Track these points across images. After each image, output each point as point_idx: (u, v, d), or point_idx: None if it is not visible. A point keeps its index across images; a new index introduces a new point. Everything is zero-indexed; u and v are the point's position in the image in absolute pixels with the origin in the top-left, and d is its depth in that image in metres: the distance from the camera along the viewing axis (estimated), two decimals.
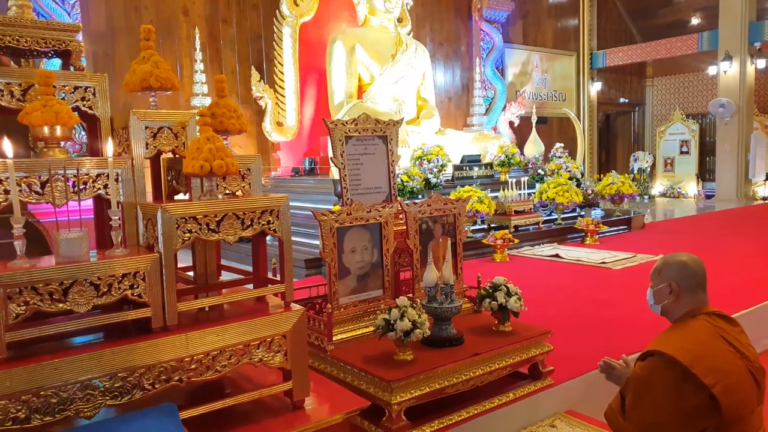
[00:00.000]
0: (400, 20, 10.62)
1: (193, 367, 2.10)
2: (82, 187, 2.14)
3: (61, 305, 1.88)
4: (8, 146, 1.90)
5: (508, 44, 13.90)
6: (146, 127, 2.30)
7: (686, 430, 1.96)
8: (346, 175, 3.28)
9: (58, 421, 1.86)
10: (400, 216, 3.38)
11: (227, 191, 2.49)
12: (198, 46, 8.88)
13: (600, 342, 3.80)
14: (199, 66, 8.78)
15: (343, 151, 3.28)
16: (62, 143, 2.18)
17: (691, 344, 2.01)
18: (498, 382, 3.00)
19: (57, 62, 5.92)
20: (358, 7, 10.20)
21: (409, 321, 2.66)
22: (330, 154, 3.38)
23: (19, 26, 2.33)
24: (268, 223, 2.28)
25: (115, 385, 1.95)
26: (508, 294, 3.12)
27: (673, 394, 1.96)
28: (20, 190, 2.01)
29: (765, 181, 14.66)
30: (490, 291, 3.16)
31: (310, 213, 6.16)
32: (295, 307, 2.38)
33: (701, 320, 2.13)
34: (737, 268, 5.93)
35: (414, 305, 2.75)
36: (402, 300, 2.75)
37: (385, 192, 3.45)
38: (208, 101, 8.45)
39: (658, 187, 16.65)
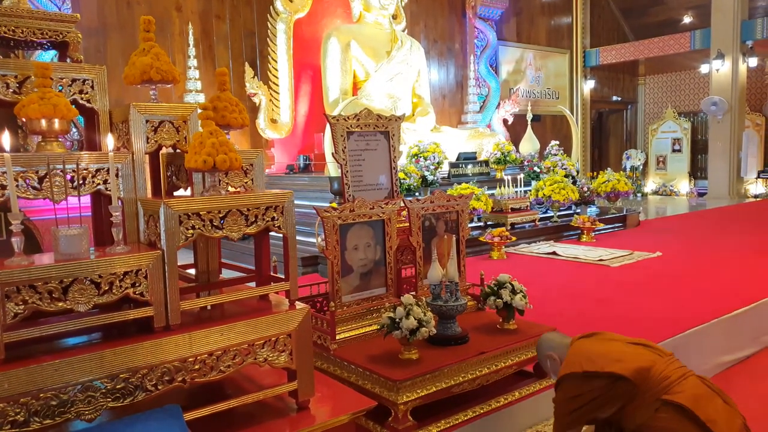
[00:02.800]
0: (394, 17, 10.57)
1: (196, 367, 2.05)
2: (81, 182, 2.07)
3: (60, 304, 1.82)
4: (6, 139, 1.83)
5: (502, 42, 13.88)
6: (147, 121, 2.23)
7: (601, 402, 2.10)
8: (347, 171, 3.22)
9: (58, 424, 1.80)
10: (403, 213, 3.33)
11: (229, 187, 2.43)
12: (191, 42, 8.78)
13: None
14: (193, 62, 8.68)
15: (345, 147, 3.22)
16: (60, 137, 2.11)
17: (572, 358, 2.24)
18: (503, 381, 2.96)
19: (50, 55, 5.83)
20: (353, 3, 10.14)
21: (415, 319, 2.62)
22: (331, 150, 3.32)
23: (15, 16, 2.26)
24: (273, 219, 2.23)
25: (117, 387, 1.89)
26: (513, 292, 3.08)
27: (583, 395, 2.13)
28: (17, 186, 1.94)
29: (756, 179, 14.73)
30: (495, 289, 3.11)
31: (306, 211, 6.13)
32: (300, 305, 2.33)
33: (573, 345, 2.35)
34: (732, 265, 5.93)
35: (419, 303, 2.70)
36: (407, 298, 2.71)
37: (386, 188, 3.40)
38: (201, 97, 8.39)
39: (650, 185, 16.69)
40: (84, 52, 2.64)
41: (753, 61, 13.86)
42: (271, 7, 9.53)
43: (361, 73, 9.89)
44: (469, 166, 8.86)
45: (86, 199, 2.24)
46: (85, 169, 2.09)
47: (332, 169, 7.32)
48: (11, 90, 2.15)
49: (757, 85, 15.66)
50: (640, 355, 2.16)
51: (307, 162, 9.15)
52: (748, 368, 4.06)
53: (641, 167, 16.45)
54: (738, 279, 5.30)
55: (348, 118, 3.25)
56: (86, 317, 1.88)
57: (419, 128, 9.82)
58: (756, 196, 14.30)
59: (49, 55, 5.89)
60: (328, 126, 3.38)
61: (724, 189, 13.87)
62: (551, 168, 9.12)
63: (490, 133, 11.04)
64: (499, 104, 12.95)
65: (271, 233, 2.35)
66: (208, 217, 2.07)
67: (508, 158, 9.14)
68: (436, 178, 7.91)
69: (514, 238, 6.94)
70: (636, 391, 2.06)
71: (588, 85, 16.15)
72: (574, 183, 8.89)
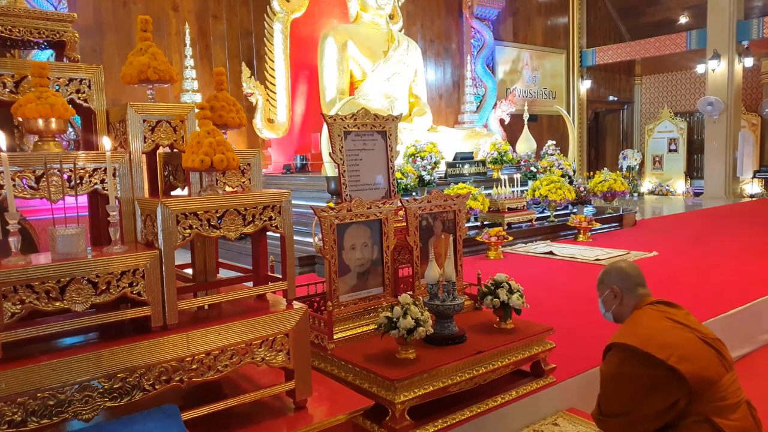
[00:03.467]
0: (391, 17, 10.57)
1: (194, 367, 2.04)
2: (78, 182, 2.07)
3: (58, 304, 1.81)
4: (2, 139, 1.82)
5: (498, 42, 13.89)
6: (144, 121, 2.23)
7: (658, 408, 2.00)
8: (345, 171, 3.23)
9: (55, 423, 1.80)
10: (400, 213, 3.33)
11: (227, 186, 2.43)
12: (188, 41, 8.77)
13: (599, 339, 3.76)
14: (189, 62, 8.68)
15: (342, 147, 3.22)
16: (57, 137, 2.11)
17: (639, 329, 2.14)
18: (500, 380, 2.96)
19: (46, 55, 5.81)
20: (350, 3, 10.14)
21: (412, 319, 2.62)
22: (328, 149, 3.33)
23: (12, 15, 2.25)
24: (270, 219, 2.23)
25: (115, 386, 1.89)
26: (510, 291, 3.09)
27: (636, 377, 2.05)
28: (14, 185, 1.94)
29: (752, 178, 14.78)
30: (492, 288, 3.12)
31: (303, 210, 6.12)
32: (298, 305, 2.33)
33: (645, 309, 2.26)
34: (728, 265, 5.95)
35: (416, 303, 2.71)
36: (404, 297, 2.71)
37: (384, 188, 3.40)
38: (198, 97, 8.38)
39: (646, 184, 16.72)
40: (80, 52, 2.64)
41: (749, 61, 13.91)
42: (267, 6, 9.53)
43: (357, 73, 9.90)
44: (466, 166, 8.87)
45: (83, 199, 2.24)
46: (82, 169, 2.09)
47: (329, 169, 7.32)
48: (8, 89, 2.15)
49: (752, 85, 15.70)
50: (712, 362, 2.04)
51: (304, 162, 9.15)
52: (745, 367, 4.07)
53: (637, 167, 16.49)
54: (734, 278, 5.32)
55: (345, 117, 3.25)
56: (83, 317, 1.88)
57: (416, 128, 9.83)
58: (752, 196, 14.34)
59: (45, 55, 5.87)
60: (325, 126, 3.38)
61: (720, 189, 13.91)
62: (548, 168, 9.13)
63: (487, 132, 11.05)
64: (495, 104, 12.96)
65: (269, 233, 2.35)
66: (206, 217, 2.07)
67: (504, 158, 9.15)
68: (433, 177, 7.92)
69: (510, 238, 6.94)
70: (691, 397, 1.97)
71: (584, 85, 16.18)
72: (571, 183, 8.91)
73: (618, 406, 2.10)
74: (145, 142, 2.24)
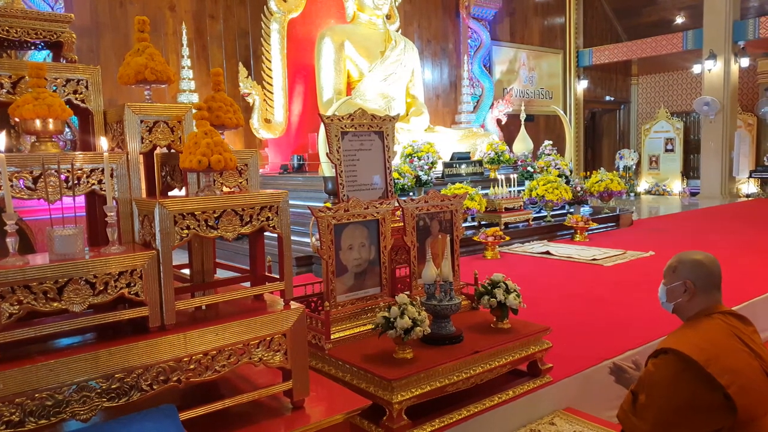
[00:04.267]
0: (388, 17, 10.57)
1: (191, 367, 2.05)
2: (75, 182, 2.07)
3: (56, 304, 1.81)
4: (1, 139, 1.82)
5: (495, 42, 13.90)
6: (141, 121, 2.23)
7: (700, 430, 1.93)
8: (342, 171, 3.23)
9: (53, 424, 1.80)
10: (397, 213, 3.34)
11: (224, 187, 2.44)
12: (185, 42, 8.77)
13: (596, 339, 3.79)
14: (186, 62, 8.67)
15: (339, 147, 3.23)
16: (54, 137, 2.11)
17: (706, 343, 1.98)
18: (497, 380, 2.97)
19: (42, 55, 5.80)
20: (347, 3, 10.15)
21: (409, 319, 2.62)
22: (326, 149, 3.33)
23: (9, 16, 2.25)
24: (268, 219, 2.23)
25: (112, 387, 1.89)
26: (507, 291, 3.09)
27: (688, 393, 1.93)
28: (11, 186, 1.94)
29: (748, 178, 14.81)
30: (489, 288, 3.13)
31: (300, 211, 6.13)
32: (295, 305, 2.33)
33: (716, 319, 2.09)
34: (724, 264, 5.91)
35: (413, 303, 2.71)
36: (401, 297, 2.72)
37: (381, 188, 3.40)
38: (195, 97, 8.37)
39: (643, 184, 16.75)
40: (77, 52, 2.64)
41: (745, 62, 13.94)
42: (264, 6, 9.53)
43: (354, 73, 9.90)
44: (463, 166, 8.88)
45: (80, 200, 2.24)
46: (79, 170, 2.09)
47: (326, 169, 7.33)
48: (5, 90, 2.15)
49: (748, 85, 15.74)
50: (765, 397, 1.93)
51: (301, 162, 9.15)
52: None
53: (634, 167, 16.51)
54: (730, 278, 5.30)
55: (342, 118, 3.26)
56: (81, 317, 1.88)
57: (413, 128, 9.84)
58: (748, 196, 14.38)
59: (41, 55, 5.87)
60: (322, 126, 3.38)
61: (717, 188, 13.95)
62: (545, 168, 9.15)
63: (484, 133, 11.06)
64: (492, 104, 12.97)
65: (266, 233, 2.35)
66: (203, 217, 2.08)
67: (501, 158, 9.16)
68: (430, 178, 7.93)
69: (507, 238, 6.96)
70: (732, 427, 1.89)
71: (581, 85, 16.20)
72: (568, 183, 8.92)
73: (662, 414, 1.98)
74: (142, 143, 2.24)
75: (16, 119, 2.03)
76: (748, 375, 1.93)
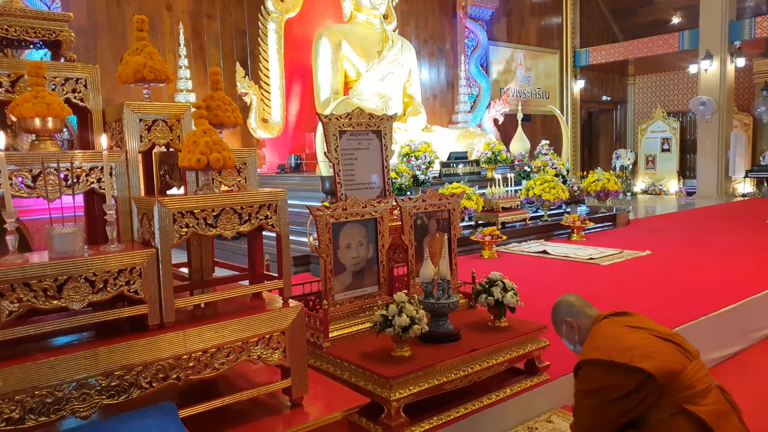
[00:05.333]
0: (385, 17, 10.58)
1: (191, 364, 2.06)
2: (75, 180, 2.08)
3: (55, 302, 1.82)
4: (1, 138, 1.83)
5: (492, 42, 13.92)
6: (140, 120, 2.24)
7: (628, 410, 2.05)
8: (340, 170, 3.24)
9: (53, 421, 1.81)
10: (395, 212, 3.35)
11: (223, 185, 2.44)
12: (182, 41, 8.76)
13: None
14: (183, 62, 8.66)
15: (337, 146, 3.24)
16: (53, 136, 2.12)
17: (599, 342, 2.19)
18: (495, 378, 2.98)
19: (40, 54, 5.81)
20: (344, 3, 10.15)
21: (407, 317, 2.63)
22: (323, 149, 3.34)
23: (8, 15, 2.26)
24: (266, 218, 2.24)
25: (112, 384, 1.90)
26: (504, 289, 3.11)
27: (606, 388, 2.09)
28: (11, 184, 1.94)
29: (744, 178, 14.86)
30: (486, 287, 3.14)
31: (298, 210, 6.13)
32: (294, 303, 2.34)
33: (601, 323, 2.33)
34: (720, 263, 5.99)
35: (411, 301, 2.72)
36: (399, 296, 2.73)
37: (379, 187, 3.41)
38: (192, 97, 8.36)
39: (639, 184, 16.80)
40: (74, 52, 2.64)
41: (741, 62, 13.97)
42: (261, 6, 9.52)
43: (352, 73, 9.91)
44: (460, 166, 8.89)
45: (79, 198, 2.25)
46: (79, 168, 2.09)
47: (324, 169, 7.33)
48: (4, 89, 2.15)
49: (744, 85, 15.79)
50: (672, 355, 2.10)
51: (299, 161, 9.15)
52: (737, 365, 4.10)
53: (631, 167, 16.56)
54: (726, 277, 5.36)
55: (340, 117, 3.27)
56: (81, 315, 1.89)
57: (410, 128, 9.84)
58: (744, 195, 14.43)
59: (39, 54, 5.86)
60: (320, 125, 3.39)
61: (713, 188, 13.98)
62: (541, 167, 9.17)
63: (481, 132, 11.08)
64: (489, 104, 13.00)
65: (264, 233, 2.36)
66: (202, 216, 2.08)
67: (498, 158, 9.17)
68: (427, 177, 7.93)
69: (504, 237, 6.97)
70: (661, 392, 2.02)
71: (578, 85, 16.22)
72: (565, 182, 8.94)
73: (593, 421, 2.14)
74: (141, 142, 2.25)
75: (14, 118, 2.04)
76: (643, 345, 2.11)
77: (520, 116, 10.31)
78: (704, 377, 2.09)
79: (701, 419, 1.97)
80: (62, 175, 2.05)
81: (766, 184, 14.70)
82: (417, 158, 7.91)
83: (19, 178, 1.98)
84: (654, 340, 2.15)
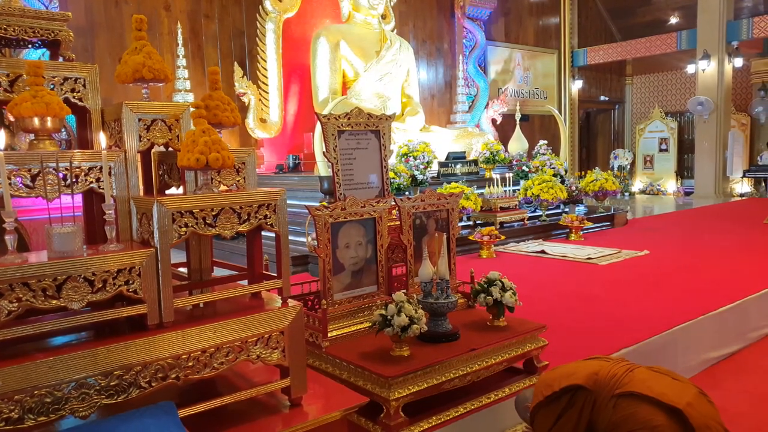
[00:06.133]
0: (383, 17, 10.59)
1: (190, 364, 2.05)
2: (74, 180, 2.08)
3: (54, 302, 1.82)
4: (1, 137, 1.83)
5: (490, 42, 13.94)
6: (139, 119, 2.24)
7: (578, 422, 2.13)
8: (338, 170, 3.24)
9: (52, 421, 1.80)
10: (394, 211, 3.35)
11: (222, 185, 2.44)
12: (180, 41, 8.76)
13: (591, 337, 3.82)
14: (182, 62, 8.66)
15: (336, 146, 3.24)
16: (52, 135, 2.11)
17: (536, 390, 2.30)
18: (494, 378, 2.98)
19: (38, 54, 5.80)
20: (342, 3, 10.15)
21: (406, 316, 2.63)
22: (322, 148, 3.34)
23: (7, 14, 2.25)
24: (265, 217, 2.24)
25: (111, 384, 1.89)
26: (503, 289, 3.11)
27: (559, 417, 2.17)
28: (10, 184, 1.94)
29: (742, 178, 14.89)
30: (485, 286, 3.14)
31: (296, 210, 6.13)
32: (293, 302, 2.34)
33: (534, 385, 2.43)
34: (718, 263, 6.01)
35: (410, 301, 2.72)
36: (398, 295, 2.72)
37: (377, 187, 3.41)
38: (190, 97, 8.36)
39: (637, 184, 16.83)
40: (72, 52, 2.64)
41: (738, 62, 14.02)
42: (260, 6, 9.53)
43: (350, 73, 9.91)
44: (459, 166, 8.90)
45: (77, 198, 2.24)
46: (77, 168, 2.09)
47: (322, 169, 7.33)
48: (2, 88, 2.15)
49: (742, 85, 15.83)
50: (588, 364, 2.22)
51: (297, 161, 9.15)
52: (734, 364, 4.12)
53: (629, 167, 16.60)
54: (724, 276, 5.37)
55: (339, 116, 3.27)
56: (80, 315, 1.89)
57: (409, 128, 9.85)
58: (741, 195, 14.46)
59: (37, 54, 5.86)
60: (318, 125, 3.39)
61: (711, 188, 14.01)
62: (540, 167, 9.18)
63: (479, 132, 11.09)
64: (487, 104, 13.01)
65: (263, 232, 2.36)
66: (201, 215, 2.08)
67: (497, 158, 9.19)
68: (425, 177, 7.94)
69: (503, 237, 6.98)
70: (593, 397, 2.10)
71: (576, 85, 16.25)
72: (563, 182, 8.96)
73: None
74: (140, 141, 2.25)
75: (13, 117, 2.04)
76: (565, 370, 2.24)
77: (518, 116, 10.32)
78: (623, 365, 2.18)
79: (631, 392, 2.04)
80: (61, 175, 2.05)
81: (763, 184, 14.72)
82: (415, 158, 7.92)
83: (18, 178, 1.98)
84: (573, 364, 2.28)
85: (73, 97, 2.26)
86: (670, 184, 16.16)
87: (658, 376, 2.12)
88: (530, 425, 2.42)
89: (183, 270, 2.52)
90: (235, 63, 9.57)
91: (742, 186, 14.88)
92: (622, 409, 2.04)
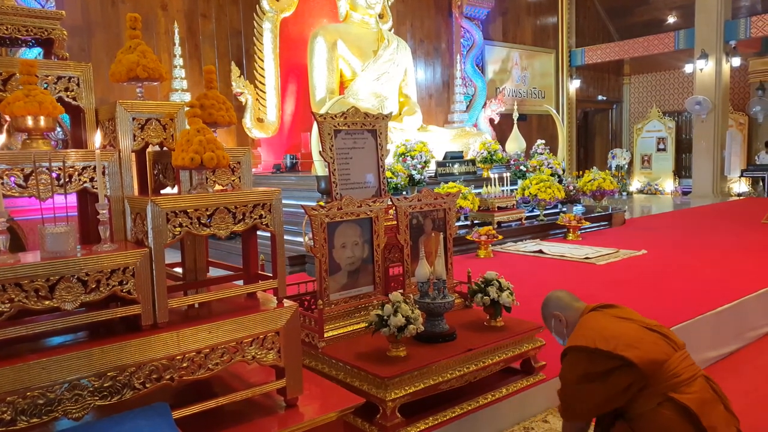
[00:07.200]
0: (381, 16, 10.56)
1: (184, 365, 2.04)
2: (67, 180, 2.06)
3: (47, 302, 1.80)
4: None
5: (488, 41, 13.92)
6: (133, 119, 2.22)
7: (612, 390, 2.09)
8: (335, 170, 3.23)
9: (45, 422, 1.79)
10: (390, 211, 3.34)
11: (217, 185, 2.43)
12: (177, 41, 8.74)
13: None
14: (178, 61, 8.64)
15: (332, 145, 3.22)
16: (46, 135, 2.10)
17: (585, 331, 2.23)
18: (491, 378, 2.98)
19: (34, 54, 5.78)
20: (340, 2, 10.13)
21: (403, 317, 2.62)
22: (318, 148, 3.33)
23: (0, 13, 2.24)
24: (260, 217, 2.23)
25: (105, 385, 1.88)
26: (500, 289, 3.10)
27: (591, 373, 2.13)
28: (2, 183, 1.92)
29: (740, 177, 14.90)
30: (482, 286, 3.13)
31: (293, 210, 6.11)
32: (288, 302, 2.33)
33: (587, 315, 2.36)
34: (716, 262, 6.00)
35: (407, 301, 2.71)
36: (395, 295, 2.71)
37: (374, 186, 3.40)
38: (187, 96, 8.34)
39: (635, 183, 16.83)
40: (68, 51, 2.63)
41: (736, 61, 14.02)
42: (257, 6, 9.50)
43: (347, 72, 9.89)
44: (456, 165, 8.89)
45: (72, 198, 2.23)
46: (71, 167, 2.08)
47: (319, 168, 7.32)
48: None
49: (740, 85, 15.83)
50: (656, 345, 2.14)
51: (294, 161, 9.13)
52: (732, 364, 4.11)
53: (626, 166, 16.59)
54: (722, 276, 5.36)
55: (335, 116, 3.25)
56: (73, 315, 1.87)
57: (406, 127, 9.83)
58: (739, 195, 14.46)
59: (33, 53, 5.84)
60: (315, 125, 3.38)
61: (708, 188, 14.01)
62: (537, 167, 9.17)
63: (477, 132, 11.08)
64: (485, 104, 12.99)
65: (259, 232, 2.35)
66: (196, 215, 2.07)
67: (494, 157, 9.17)
68: (423, 177, 7.93)
69: (500, 237, 6.97)
70: (645, 383, 2.06)
71: (574, 85, 16.24)
72: (560, 182, 8.94)
73: (579, 406, 2.18)
74: (134, 141, 2.24)
75: (7, 117, 2.02)
76: (627, 334, 2.16)
77: (515, 116, 10.30)
78: (689, 366, 2.13)
79: (686, 407, 2.00)
80: (54, 175, 2.04)
81: (761, 184, 14.73)
82: (413, 158, 7.90)
83: (12, 178, 1.97)
84: (640, 330, 2.20)
85: (67, 96, 2.25)
86: (668, 184, 16.16)
87: (716, 402, 2.08)
88: (561, 344, 2.39)
89: (178, 270, 2.51)
90: (232, 62, 9.54)
91: (739, 185, 14.88)
92: (665, 415, 2.02)
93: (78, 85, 2.27)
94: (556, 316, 2.45)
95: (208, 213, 2.09)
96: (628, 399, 2.08)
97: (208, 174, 2.30)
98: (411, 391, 2.58)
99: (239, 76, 9.31)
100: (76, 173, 2.10)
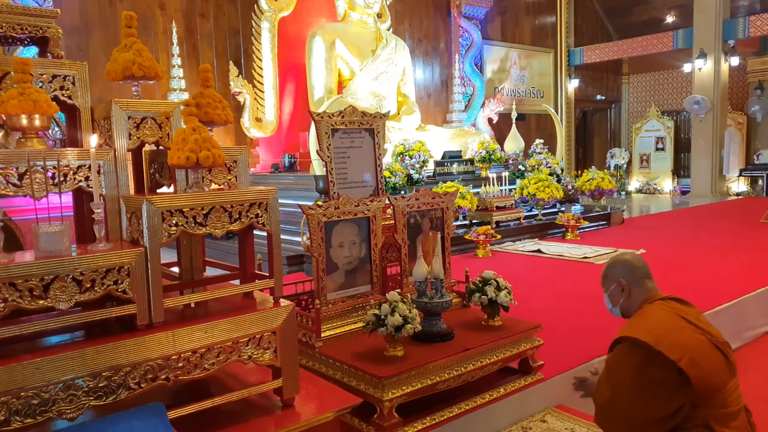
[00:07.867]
0: (379, 16, 10.55)
1: (180, 365, 2.03)
2: (62, 179, 2.05)
3: (42, 302, 1.79)
4: None
5: (486, 41, 13.91)
6: (129, 117, 2.21)
7: (662, 409, 1.95)
8: (332, 169, 3.22)
9: (39, 423, 1.78)
10: (388, 210, 3.33)
11: (213, 184, 2.42)
12: (175, 40, 8.72)
13: (587, 337, 3.79)
14: (177, 61, 8.63)
15: (330, 144, 3.21)
16: (41, 133, 2.09)
17: (653, 325, 2.06)
18: (488, 378, 2.97)
19: (31, 53, 5.76)
20: (338, 2, 10.12)
21: (400, 316, 2.61)
22: (316, 147, 3.32)
23: None
24: (257, 216, 2.22)
25: (100, 385, 1.87)
26: (498, 288, 3.09)
27: (644, 375, 1.98)
28: None
29: (738, 177, 14.89)
30: (480, 285, 3.12)
31: (291, 209, 6.10)
32: (285, 302, 2.32)
33: (657, 304, 2.19)
34: (714, 262, 5.99)
35: (404, 300, 2.70)
36: (392, 295, 2.70)
37: (371, 186, 3.39)
38: (185, 96, 8.33)
39: (634, 183, 16.83)
40: (66, 51, 2.62)
41: (735, 60, 14.01)
42: (255, 5, 9.48)
43: (346, 72, 9.88)
44: (455, 165, 8.88)
45: (67, 197, 2.22)
46: (66, 166, 2.07)
47: (317, 168, 7.31)
48: None
49: (738, 84, 15.83)
50: (719, 369, 1.98)
51: (292, 161, 9.11)
52: None
53: (625, 166, 16.58)
54: (720, 275, 5.36)
55: (333, 115, 3.24)
56: (68, 315, 1.86)
57: (405, 127, 9.82)
58: (738, 194, 14.45)
59: (30, 53, 5.82)
60: (313, 124, 3.37)
61: (707, 187, 14.01)
62: (536, 166, 9.16)
63: (475, 131, 11.07)
64: (484, 103, 12.97)
65: (256, 231, 2.34)
66: (192, 214, 2.06)
67: (493, 157, 9.16)
68: (421, 176, 7.92)
69: (499, 236, 6.96)
70: (694, 402, 1.93)
71: (572, 84, 16.23)
72: (559, 181, 8.94)
73: (624, 400, 2.03)
74: (130, 139, 2.23)
75: (2, 115, 2.01)
76: (696, 348, 1.98)
77: (514, 115, 10.30)
78: (738, 398, 2.01)
79: None
80: (49, 174, 2.03)
81: (760, 183, 14.73)
82: (411, 157, 7.89)
83: (6, 177, 1.95)
84: (708, 347, 2.02)
85: (62, 94, 2.24)
86: (667, 183, 16.15)
87: None
88: (608, 309, 2.27)
89: (174, 269, 2.49)
90: (231, 62, 9.52)
91: (738, 185, 14.87)
92: None
93: (73, 83, 2.26)
94: (621, 283, 2.27)
95: (203, 212, 2.08)
96: (678, 423, 1.93)
97: (204, 173, 2.29)
98: (408, 390, 2.57)
99: (237, 76, 9.29)
100: (71, 172, 2.09)
